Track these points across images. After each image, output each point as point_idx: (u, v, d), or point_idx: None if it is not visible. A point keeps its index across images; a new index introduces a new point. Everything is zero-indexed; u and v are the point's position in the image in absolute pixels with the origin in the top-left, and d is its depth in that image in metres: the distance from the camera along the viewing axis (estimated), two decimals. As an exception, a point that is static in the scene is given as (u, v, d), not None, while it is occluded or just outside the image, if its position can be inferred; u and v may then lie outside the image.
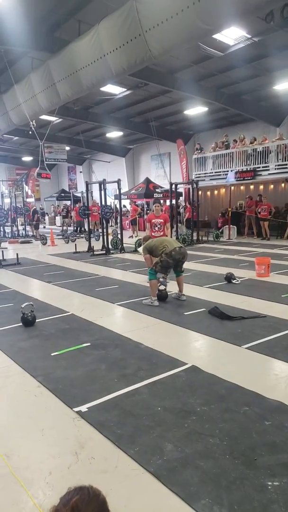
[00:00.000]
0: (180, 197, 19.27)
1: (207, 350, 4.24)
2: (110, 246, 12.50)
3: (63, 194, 27.73)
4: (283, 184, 17.09)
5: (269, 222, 14.92)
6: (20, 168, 32.01)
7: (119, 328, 4.87)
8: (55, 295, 6.84)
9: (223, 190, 19.17)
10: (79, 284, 7.59)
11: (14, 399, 3.19)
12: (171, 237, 7.93)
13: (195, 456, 2.37)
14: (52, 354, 4.04)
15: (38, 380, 3.45)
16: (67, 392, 3.21)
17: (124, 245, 12.68)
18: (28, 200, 26.28)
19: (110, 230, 13.95)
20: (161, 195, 18.66)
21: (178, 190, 16.17)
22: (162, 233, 7.63)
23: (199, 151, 18.50)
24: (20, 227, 20.16)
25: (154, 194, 18.99)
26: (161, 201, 11.46)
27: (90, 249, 12.40)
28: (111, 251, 12.25)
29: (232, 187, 16.58)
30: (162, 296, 6.13)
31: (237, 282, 7.25)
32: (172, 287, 6.47)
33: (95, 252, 11.96)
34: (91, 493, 1.11)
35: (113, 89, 14.29)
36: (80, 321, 5.23)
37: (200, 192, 16.25)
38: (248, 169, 15.91)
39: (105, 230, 12.39)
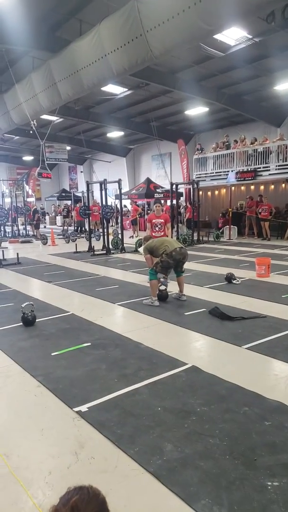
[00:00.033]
0: (181, 197, 19.27)
1: (207, 350, 4.24)
2: (110, 246, 12.51)
3: (63, 194, 27.74)
4: (283, 185, 17.08)
5: (270, 223, 14.92)
6: (20, 167, 32.00)
7: (119, 328, 4.87)
8: (56, 295, 6.84)
9: (223, 191, 19.16)
10: (80, 284, 7.59)
11: (14, 399, 3.19)
12: (171, 237, 7.92)
13: (195, 456, 2.36)
14: (52, 354, 4.04)
15: (38, 380, 3.45)
16: (67, 392, 3.21)
17: (125, 245, 12.68)
18: (29, 199, 26.25)
19: (110, 230, 13.95)
20: (162, 195, 18.64)
21: (178, 190, 16.18)
22: (162, 233, 7.62)
23: (200, 151, 18.50)
24: (21, 227, 20.13)
25: (155, 194, 18.98)
26: (162, 201, 11.45)
27: (91, 249, 12.41)
28: (112, 251, 12.25)
29: (233, 188, 16.57)
30: (163, 296, 6.13)
31: (237, 283, 7.25)
32: (172, 287, 6.48)
33: (95, 252, 11.96)
34: (91, 493, 1.11)
35: (114, 89, 14.30)
36: (80, 321, 5.23)
37: (200, 192, 16.25)
38: (249, 169, 15.90)
39: (105, 230, 12.40)
